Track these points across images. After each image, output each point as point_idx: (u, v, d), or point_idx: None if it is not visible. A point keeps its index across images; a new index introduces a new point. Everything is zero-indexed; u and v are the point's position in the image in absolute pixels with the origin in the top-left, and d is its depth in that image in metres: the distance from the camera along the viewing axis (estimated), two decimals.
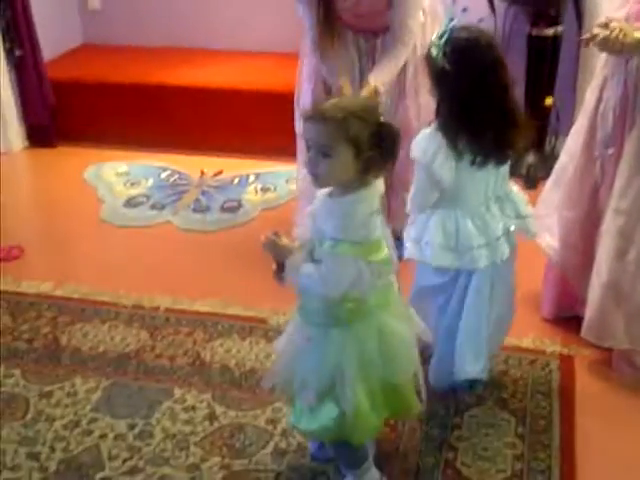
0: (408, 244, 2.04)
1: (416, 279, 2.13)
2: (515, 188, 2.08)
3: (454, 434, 2.06)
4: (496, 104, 1.87)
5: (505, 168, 2.00)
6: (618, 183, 2.13)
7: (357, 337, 1.71)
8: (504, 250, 1.98)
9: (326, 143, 1.59)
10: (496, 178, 1.97)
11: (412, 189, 1.99)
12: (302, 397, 1.77)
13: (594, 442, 2.03)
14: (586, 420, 2.11)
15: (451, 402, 2.17)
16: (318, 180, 1.64)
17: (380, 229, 1.67)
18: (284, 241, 1.71)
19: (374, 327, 1.72)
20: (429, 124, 1.97)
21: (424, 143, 1.92)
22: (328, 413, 1.73)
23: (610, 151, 2.18)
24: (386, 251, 1.68)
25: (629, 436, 2.06)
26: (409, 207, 2.02)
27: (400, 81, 2.71)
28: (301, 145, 2.92)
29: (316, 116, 1.61)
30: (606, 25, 1.98)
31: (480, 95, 1.85)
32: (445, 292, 2.07)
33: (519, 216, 2.03)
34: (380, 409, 1.78)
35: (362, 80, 2.63)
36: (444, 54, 1.85)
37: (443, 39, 1.85)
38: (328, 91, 2.67)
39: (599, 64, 2.22)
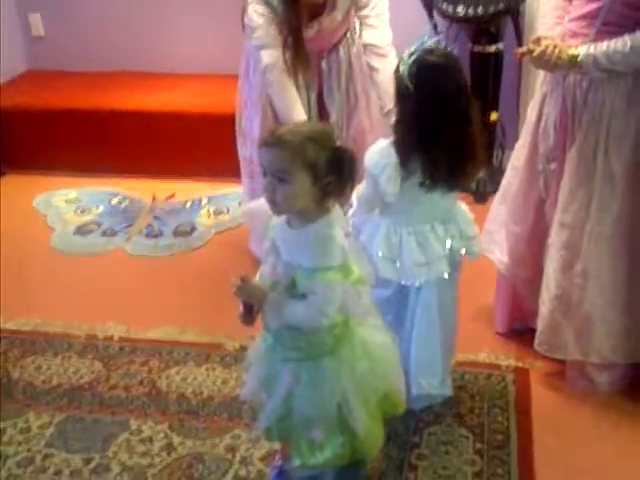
0: None
1: None
2: (462, 207, 2.09)
3: (414, 453, 2.07)
4: (454, 133, 1.84)
5: (454, 192, 2.01)
6: (561, 197, 2.17)
7: (347, 360, 1.69)
8: (444, 269, 2.00)
9: (283, 168, 1.56)
10: (443, 200, 1.98)
11: (360, 188, 1.97)
12: (310, 437, 1.70)
13: (552, 454, 2.06)
14: (543, 433, 2.14)
15: (410, 421, 2.18)
16: (276, 207, 1.60)
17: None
18: (254, 284, 1.67)
19: (358, 345, 1.72)
20: (386, 136, 1.97)
21: (377, 156, 1.92)
22: (335, 441, 1.71)
23: (552, 166, 2.22)
24: (357, 270, 1.66)
25: (585, 447, 2.09)
26: (354, 201, 2.02)
27: (350, 95, 2.73)
28: (245, 170, 2.93)
29: (273, 141, 1.58)
30: (538, 41, 2.03)
31: (438, 122, 1.83)
32: (392, 307, 2.07)
33: (463, 237, 2.04)
34: (377, 418, 1.79)
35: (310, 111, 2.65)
36: (409, 74, 1.83)
37: (412, 58, 1.83)
38: (276, 117, 2.66)
39: (538, 81, 2.28)
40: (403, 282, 2.00)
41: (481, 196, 3.54)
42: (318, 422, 1.69)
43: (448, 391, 2.17)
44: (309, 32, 2.56)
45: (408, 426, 2.16)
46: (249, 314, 1.67)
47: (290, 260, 1.62)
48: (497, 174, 3.65)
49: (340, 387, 1.68)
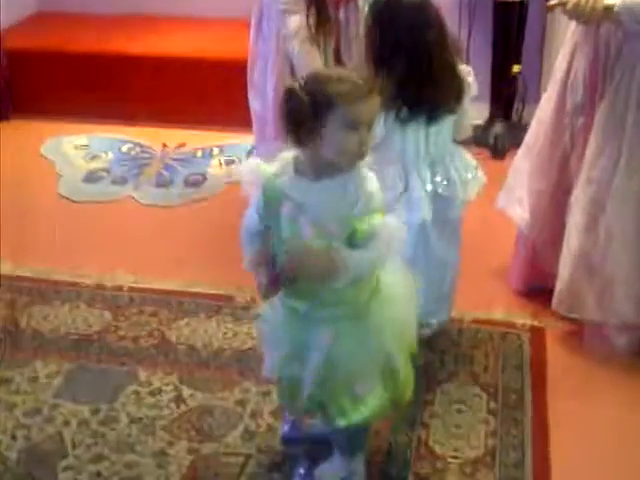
0: None
1: None
2: (461, 152, 2.08)
3: (426, 411, 2.04)
4: (415, 62, 1.89)
5: (440, 133, 1.98)
6: (589, 152, 2.09)
7: (381, 309, 1.64)
8: (424, 212, 1.98)
9: (375, 115, 1.53)
10: (427, 139, 1.97)
11: None
12: (353, 393, 1.65)
13: (566, 416, 2.02)
14: (558, 394, 2.09)
15: (422, 378, 2.13)
16: (360, 158, 1.51)
17: None
18: (314, 247, 1.52)
19: (386, 289, 1.66)
20: None
21: None
22: (377, 392, 1.67)
23: (580, 120, 2.14)
24: None
25: (600, 409, 2.05)
26: None
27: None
28: (257, 124, 2.84)
29: (364, 92, 1.46)
30: None
31: (403, 50, 1.88)
32: None
33: (449, 181, 2.02)
34: (408, 359, 1.74)
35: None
36: (370, 10, 1.93)
37: None
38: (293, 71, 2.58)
39: (569, 31, 2.17)
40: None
41: (499, 151, 3.46)
42: (362, 375, 1.65)
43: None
44: (335, 16, 2.49)
45: (420, 383, 2.12)
46: (275, 285, 1.57)
47: (323, 214, 1.51)
48: (516, 129, 3.56)
49: (384, 335, 1.63)
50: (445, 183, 2.02)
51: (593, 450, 1.92)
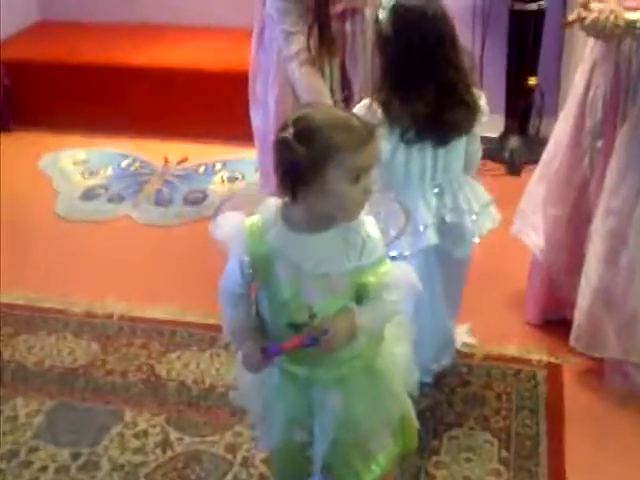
0: None
1: None
2: (474, 185, 1.91)
3: (432, 460, 1.88)
4: (434, 78, 1.75)
5: (449, 157, 1.83)
6: (609, 179, 1.93)
7: (389, 350, 1.49)
8: (430, 239, 1.82)
9: (376, 159, 1.36)
10: (435, 163, 1.82)
11: None
12: (366, 452, 1.51)
13: (586, 464, 1.85)
14: (576, 439, 1.93)
15: (429, 422, 1.98)
16: (365, 205, 1.35)
17: None
18: (333, 318, 1.34)
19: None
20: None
21: (361, 113, 1.73)
22: (387, 446, 1.53)
23: (599, 143, 1.97)
24: None
25: (623, 456, 1.88)
26: None
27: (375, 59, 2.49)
28: (257, 140, 2.70)
29: (369, 136, 1.30)
30: (587, 5, 1.76)
31: (416, 67, 1.74)
32: None
33: (457, 210, 1.85)
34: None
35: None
36: (389, 19, 1.75)
37: (391, 3, 1.75)
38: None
39: (588, 46, 2.01)
40: (390, 253, 1.80)
41: (515, 167, 3.29)
42: (377, 433, 1.49)
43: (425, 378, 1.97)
44: (336, 8, 2.32)
45: (427, 428, 1.96)
46: (271, 357, 1.37)
47: (327, 271, 1.33)
48: (533, 143, 3.40)
49: (395, 385, 1.49)
50: (453, 212, 1.85)
51: None
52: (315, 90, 2.30)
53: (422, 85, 1.75)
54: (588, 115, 1.97)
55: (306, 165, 1.25)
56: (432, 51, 1.73)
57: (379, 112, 1.76)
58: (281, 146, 1.28)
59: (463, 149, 1.85)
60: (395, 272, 1.38)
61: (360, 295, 1.37)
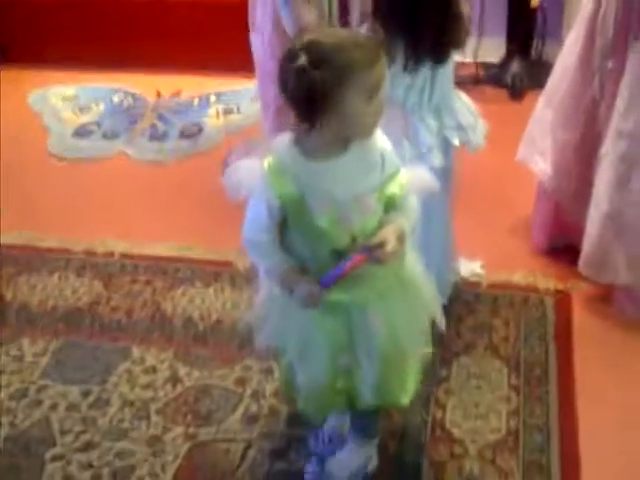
0: None
1: None
2: (462, 96, 1.87)
3: (442, 387, 1.88)
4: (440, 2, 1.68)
5: (444, 75, 1.78)
6: (620, 101, 1.87)
7: (410, 270, 1.49)
8: (437, 159, 1.79)
9: (386, 76, 1.32)
10: (432, 85, 1.76)
11: None
12: (410, 364, 1.55)
13: (596, 391, 1.85)
14: (585, 365, 1.92)
15: (437, 349, 1.97)
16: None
17: None
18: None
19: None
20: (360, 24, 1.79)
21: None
22: (417, 365, 1.57)
23: (610, 64, 1.91)
24: None
25: (632, 382, 1.88)
26: None
27: None
28: (260, 71, 2.62)
29: (379, 53, 1.27)
30: None
31: None
32: None
33: (460, 127, 1.82)
34: None
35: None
36: None
37: None
38: None
39: None
40: None
41: (517, 92, 3.22)
42: (417, 341, 1.51)
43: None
44: None
45: (435, 355, 1.95)
46: (330, 284, 1.33)
47: (359, 192, 1.32)
48: (536, 67, 3.32)
49: (424, 291, 1.49)
50: (455, 130, 1.81)
51: (626, 429, 1.75)
52: (303, 21, 2.23)
53: (426, 6, 1.67)
54: (598, 34, 1.90)
55: (325, 90, 1.21)
56: None
57: (381, 33, 1.68)
58: (297, 75, 1.22)
59: (453, 64, 1.79)
60: (413, 178, 1.39)
61: (387, 208, 1.37)
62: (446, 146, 1.85)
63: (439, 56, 1.73)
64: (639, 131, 1.84)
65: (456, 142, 1.83)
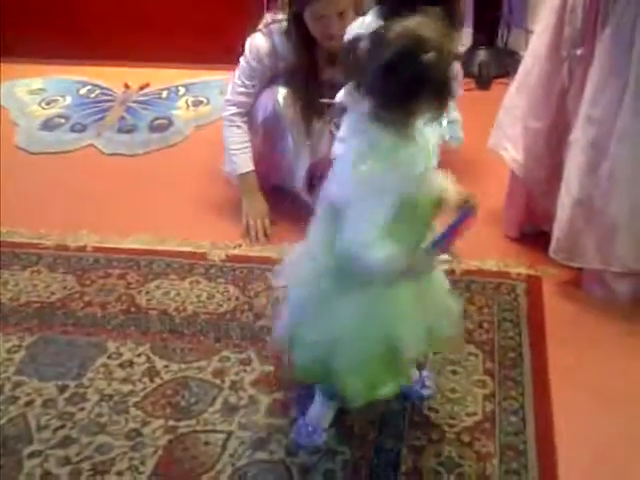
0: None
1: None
2: None
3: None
4: None
5: None
6: (589, 89, 1.90)
7: None
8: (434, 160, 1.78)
9: None
10: None
11: None
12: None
13: (569, 372, 1.88)
14: (558, 348, 1.96)
15: None
16: None
17: None
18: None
19: None
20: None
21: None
22: None
23: (579, 51, 1.94)
24: None
25: (604, 362, 1.92)
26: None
27: None
28: None
29: None
30: None
31: None
32: None
33: (450, 122, 1.83)
34: None
35: None
36: None
37: None
38: None
39: None
40: None
41: (484, 81, 3.26)
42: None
43: None
44: (326, 75, 2.33)
45: None
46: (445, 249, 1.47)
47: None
48: (502, 55, 3.36)
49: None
50: (446, 126, 1.84)
51: (599, 409, 1.79)
52: (231, 141, 2.44)
53: None
54: (567, 23, 1.93)
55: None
56: None
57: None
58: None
59: None
60: None
61: None
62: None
63: None
64: (607, 117, 1.87)
65: (447, 137, 1.84)
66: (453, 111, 1.86)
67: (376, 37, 1.27)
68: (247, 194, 2.45)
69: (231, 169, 2.46)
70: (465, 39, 3.39)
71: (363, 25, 1.71)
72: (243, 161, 2.42)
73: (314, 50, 2.32)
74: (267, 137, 2.45)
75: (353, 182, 1.33)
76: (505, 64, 3.08)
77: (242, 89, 2.40)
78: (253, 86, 2.39)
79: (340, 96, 1.84)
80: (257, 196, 2.45)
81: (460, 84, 1.91)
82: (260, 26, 2.37)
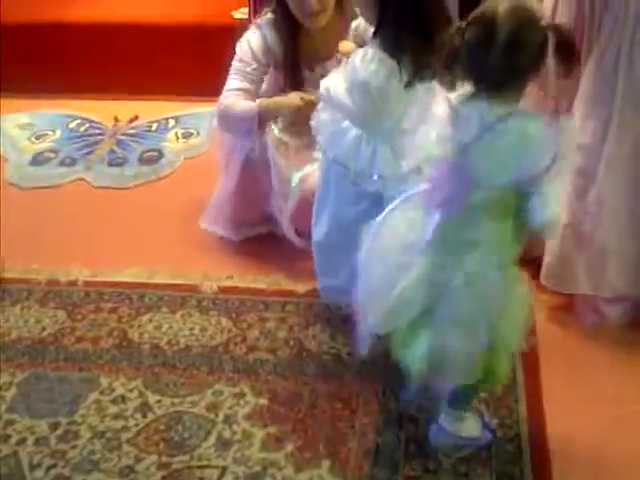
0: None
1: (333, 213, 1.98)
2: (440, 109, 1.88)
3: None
4: (443, 10, 1.73)
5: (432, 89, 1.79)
6: (576, 116, 1.93)
7: None
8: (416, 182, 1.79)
9: None
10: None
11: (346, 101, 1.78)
12: None
13: (562, 397, 1.89)
14: (551, 373, 1.96)
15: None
16: None
17: None
18: None
19: None
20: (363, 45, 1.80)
21: (375, 65, 1.70)
22: None
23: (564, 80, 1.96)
24: None
25: (597, 387, 1.92)
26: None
27: None
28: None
29: None
30: None
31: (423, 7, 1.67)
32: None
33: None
34: None
35: None
36: None
37: None
38: None
39: None
40: (385, 193, 1.83)
41: None
42: None
43: None
44: (311, 76, 2.32)
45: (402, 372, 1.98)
46: None
47: None
48: None
49: None
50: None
51: (594, 434, 1.79)
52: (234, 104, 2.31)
53: (433, 14, 1.69)
54: None
55: None
56: None
57: (390, 62, 1.70)
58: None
59: None
60: None
61: None
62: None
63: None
64: (594, 144, 1.89)
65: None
66: None
67: (483, 21, 1.36)
68: (274, 106, 2.27)
69: (247, 116, 2.27)
70: None
71: (365, 58, 1.72)
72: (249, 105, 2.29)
73: (300, 41, 2.30)
74: (248, 178, 2.40)
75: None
76: None
77: (236, 92, 2.31)
78: (247, 88, 2.31)
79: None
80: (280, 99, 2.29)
81: None
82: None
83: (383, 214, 1.59)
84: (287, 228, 2.32)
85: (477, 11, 1.39)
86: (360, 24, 2.20)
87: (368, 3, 1.75)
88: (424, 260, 1.52)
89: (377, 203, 1.85)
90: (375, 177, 1.82)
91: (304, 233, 2.28)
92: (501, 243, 1.50)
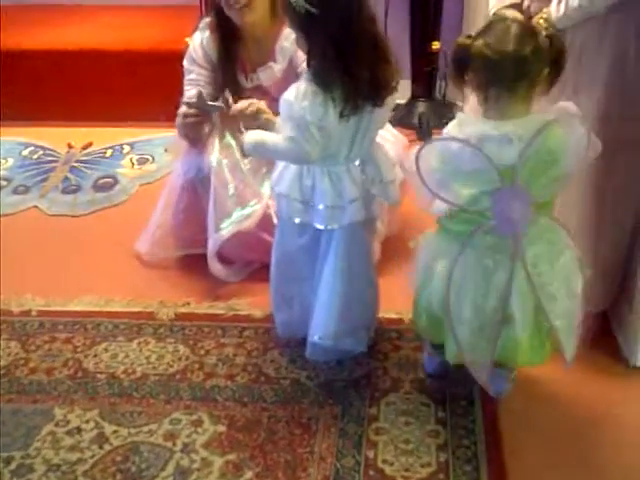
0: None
1: (278, 242, 2.01)
2: (383, 149, 1.94)
3: (372, 427, 1.90)
4: (368, 39, 1.72)
5: (376, 124, 1.84)
6: None
7: None
8: (359, 213, 1.88)
9: None
10: (363, 136, 1.82)
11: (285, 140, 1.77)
12: None
13: (518, 417, 1.91)
14: (508, 393, 1.98)
15: (365, 389, 2.00)
16: None
17: None
18: None
19: None
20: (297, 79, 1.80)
21: (308, 101, 1.70)
22: None
23: None
24: None
25: (553, 407, 1.95)
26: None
27: None
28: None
29: None
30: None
31: (352, 32, 1.68)
32: (308, 256, 1.95)
33: (381, 181, 1.89)
34: None
35: None
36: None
37: None
38: None
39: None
40: (316, 225, 1.88)
41: (425, 132, 3.33)
42: None
43: (359, 347, 2.07)
44: (247, 84, 2.38)
45: (363, 395, 1.99)
46: None
47: None
48: (440, 107, 3.45)
49: None
50: (378, 183, 1.88)
51: (550, 450, 1.82)
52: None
53: (360, 51, 1.70)
54: None
55: None
56: (358, 14, 1.68)
57: (322, 95, 1.70)
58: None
59: (387, 113, 1.86)
60: None
61: None
62: (370, 197, 1.91)
63: (375, 98, 1.76)
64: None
65: (373, 191, 1.89)
66: (388, 168, 1.90)
67: (495, 30, 1.55)
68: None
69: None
70: (404, 91, 3.47)
71: (299, 93, 1.72)
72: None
73: (236, 48, 2.36)
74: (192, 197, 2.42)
75: None
76: (444, 115, 3.17)
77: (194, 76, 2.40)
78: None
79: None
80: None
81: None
82: None
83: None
84: (211, 257, 2.36)
85: (487, 20, 1.59)
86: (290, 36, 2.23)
87: (298, 37, 1.77)
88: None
89: (317, 237, 1.91)
90: (321, 207, 1.85)
91: (233, 260, 2.41)
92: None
